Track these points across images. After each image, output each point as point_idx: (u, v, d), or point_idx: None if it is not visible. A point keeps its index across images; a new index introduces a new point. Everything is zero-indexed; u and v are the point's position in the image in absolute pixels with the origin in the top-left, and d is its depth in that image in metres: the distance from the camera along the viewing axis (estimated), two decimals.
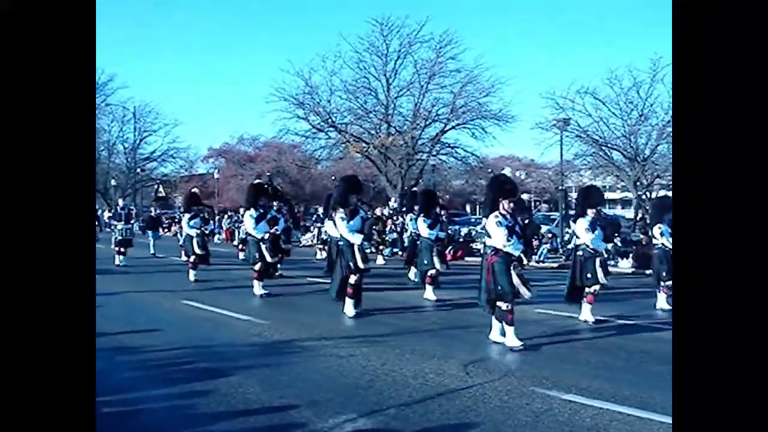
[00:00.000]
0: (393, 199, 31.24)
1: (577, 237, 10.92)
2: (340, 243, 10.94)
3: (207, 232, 18.50)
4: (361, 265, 10.65)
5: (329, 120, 33.98)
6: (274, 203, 15.65)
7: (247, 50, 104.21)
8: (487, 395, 6.21)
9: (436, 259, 12.90)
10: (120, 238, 20.54)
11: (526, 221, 10.23)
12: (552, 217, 31.15)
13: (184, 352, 7.96)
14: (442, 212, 14.72)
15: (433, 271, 12.96)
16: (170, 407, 5.85)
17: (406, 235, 20.84)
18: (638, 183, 31.21)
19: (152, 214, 29.52)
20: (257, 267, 13.24)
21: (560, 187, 27.00)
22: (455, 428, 5.37)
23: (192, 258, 16.12)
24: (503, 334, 8.56)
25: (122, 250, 20.28)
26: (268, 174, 26.77)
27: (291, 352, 8.07)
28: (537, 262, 21.41)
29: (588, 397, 6.11)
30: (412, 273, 15.31)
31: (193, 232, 16.10)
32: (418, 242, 13.78)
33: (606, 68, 44.18)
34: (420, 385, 6.57)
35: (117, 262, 19.91)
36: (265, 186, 15.57)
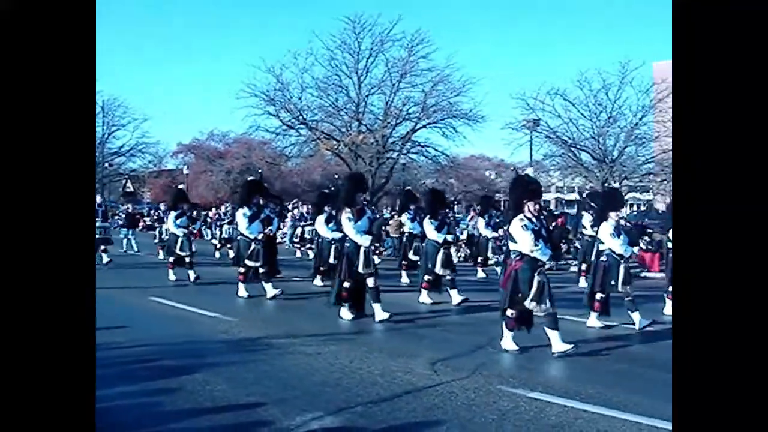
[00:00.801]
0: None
1: (600, 242, 10.16)
2: (347, 245, 10.30)
3: (195, 231, 17.86)
4: (362, 269, 10.12)
5: (300, 117, 33.89)
6: (270, 203, 15.07)
7: (218, 45, 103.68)
8: (454, 393, 6.22)
9: (438, 263, 12.06)
10: (98, 236, 18.93)
11: (554, 225, 9.91)
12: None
13: (149, 349, 7.87)
14: (449, 213, 14.03)
15: (429, 277, 12.30)
16: (134, 405, 5.78)
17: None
18: (606, 184, 31.46)
19: (129, 210, 28.98)
20: (242, 269, 12.61)
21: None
22: (422, 426, 5.37)
23: (172, 258, 15.44)
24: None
25: (104, 248, 19.02)
26: (259, 171, 26.30)
27: (258, 350, 8.03)
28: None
29: (553, 395, 6.15)
30: (405, 274, 15.27)
31: (180, 232, 15.23)
32: (423, 244, 12.89)
33: (576, 70, 44.51)
34: (387, 383, 6.57)
35: (104, 260, 18.42)
36: (260, 183, 14.52)
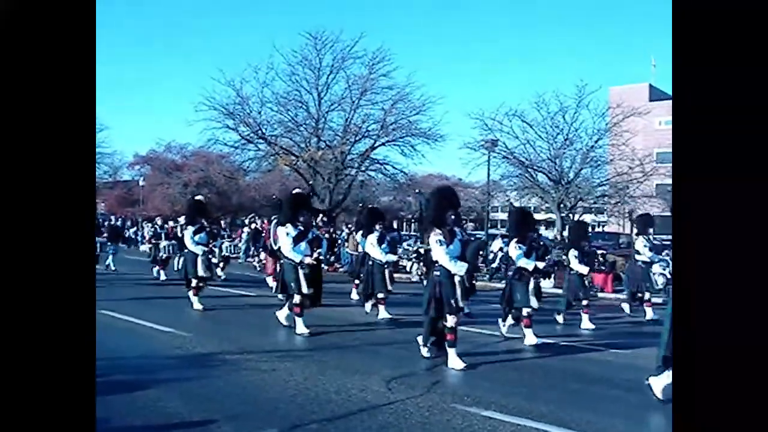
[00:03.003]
0: (320, 214, 31.22)
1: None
2: (436, 274, 8.40)
3: (216, 249, 15.88)
4: (461, 303, 8.44)
5: (259, 131, 33.70)
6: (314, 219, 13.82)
7: (177, 57, 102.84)
8: (408, 411, 6.24)
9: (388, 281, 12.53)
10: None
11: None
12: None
13: (99, 364, 7.61)
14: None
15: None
16: None
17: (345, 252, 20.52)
18: (562, 205, 31.88)
19: (113, 223, 27.84)
20: (297, 299, 10.48)
21: (486, 207, 27.31)
22: None
23: (195, 282, 13.17)
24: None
25: None
26: (309, 183, 24.71)
27: (213, 366, 7.96)
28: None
29: (507, 413, 6.20)
30: (355, 292, 15.06)
31: (199, 250, 13.07)
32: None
33: (534, 92, 45.13)
34: (342, 400, 6.56)
35: None
36: (307, 197, 12.96)
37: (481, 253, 12.59)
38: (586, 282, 12.67)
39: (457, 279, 8.26)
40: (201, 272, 13.00)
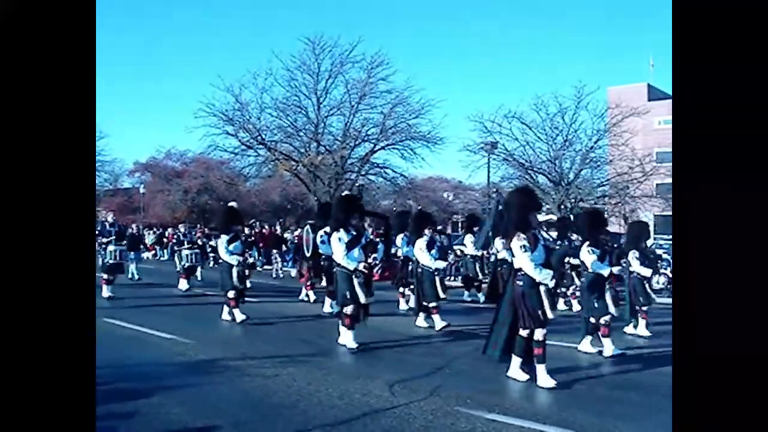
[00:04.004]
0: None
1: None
2: (519, 283, 7.67)
3: (251, 261, 15.05)
4: (549, 314, 7.63)
5: (259, 137, 33.69)
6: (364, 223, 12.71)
7: (176, 64, 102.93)
8: (411, 415, 6.23)
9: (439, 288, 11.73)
10: (111, 261, 16.00)
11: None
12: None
13: (102, 372, 7.67)
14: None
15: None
16: None
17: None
18: (562, 206, 31.88)
19: (133, 231, 27.37)
20: (349, 310, 9.73)
21: (487, 209, 27.28)
22: None
23: (232, 294, 12.30)
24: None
25: (110, 277, 15.82)
26: (359, 185, 24.43)
27: (215, 372, 7.96)
28: None
29: (511, 416, 6.20)
30: (404, 301, 14.40)
31: (234, 260, 12.25)
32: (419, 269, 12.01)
33: (532, 93, 45.11)
34: (345, 405, 6.56)
35: (105, 293, 15.39)
36: (359, 200, 11.93)
37: (567, 260, 11.77)
38: (647, 286, 11.68)
39: (542, 288, 7.56)
40: (237, 283, 12.22)
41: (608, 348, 9.39)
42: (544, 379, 7.47)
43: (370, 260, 9.92)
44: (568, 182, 32.06)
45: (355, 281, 9.60)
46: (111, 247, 16.02)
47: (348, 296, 9.62)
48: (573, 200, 32.15)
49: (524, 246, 7.54)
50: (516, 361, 7.78)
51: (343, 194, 12.69)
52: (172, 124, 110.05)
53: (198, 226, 21.42)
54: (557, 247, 9.11)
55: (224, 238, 12.51)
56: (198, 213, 49.47)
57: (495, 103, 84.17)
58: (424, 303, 11.84)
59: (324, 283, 13.92)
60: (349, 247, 9.68)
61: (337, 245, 9.74)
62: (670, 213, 37.91)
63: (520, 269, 7.67)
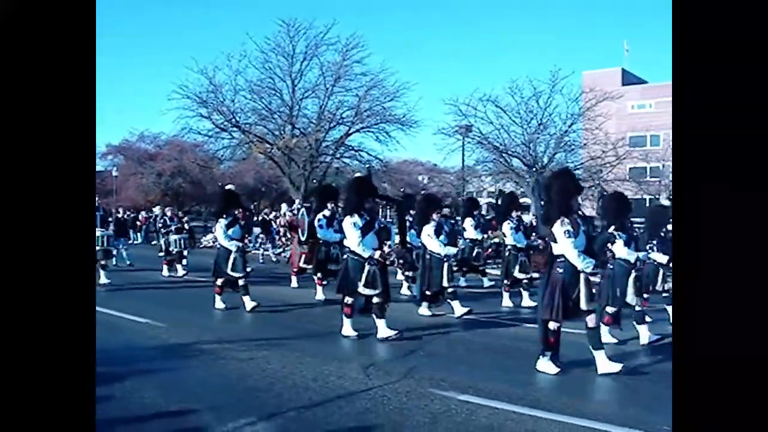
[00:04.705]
0: (297, 201, 31.09)
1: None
2: (559, 270, 7.30)
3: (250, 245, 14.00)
4: (584, 305, 7.25)
5: (233, 120, 33.41)
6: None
7: (149, 45, 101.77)
8: (386, 397, 6.28)
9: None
10: (99, 247, 15.03)
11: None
12: None
13: None
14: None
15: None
16: None
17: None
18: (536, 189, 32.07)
19: (120, 216, 26.85)
20: (350, 300, 9.25)
21: (462, 192, 27.47)
22: (355, 430, 5.42)
23: (220, 281, 11.76)
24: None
25: (103, 262, 15.33)
26: (368, 166, 23.41)
27: (190, 356, 7.95)
28: None
29: (484, 397, 6.27)
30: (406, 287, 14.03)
31: (232, 246, 11.50)
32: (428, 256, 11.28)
33: (507, 77, 45.25)
34: (320, 387, 6.59)
35: (101, 280, 14.78)
36: (371, 182, 10.58)
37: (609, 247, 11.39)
38: (661, 273, 10.55)
39: (582, 277, 7.21)
40: (230, 270, 11.46)
41: (644, 335, 9.04)
42: (548, 366, 7.37)
43: (385, 248, 9.38)
44: (542, 166, 32.19)
45: (367, 269, 9.01)
46: (98, 233, 14.89)
47: (358, 286, 9.06)
48: None
49: (568, 231, 7.16)
50: (546, 356, 7.44)
51: (356, 176, 11.71)
52: (146, 107, 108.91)
53: (170, 209, 20.88)
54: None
55: (222, 222, 11.74)
56: (171, 196, 49.01)
57: (470, 86, 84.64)
58: (428, 292, 11.21)
59: (312, 268, 13.57)
60: (364, 232, 9.10)
61: (351, 230, 9.09)
62: (643, 197, 38.47)
63: (560, 256, 7.31)
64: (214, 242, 18.73)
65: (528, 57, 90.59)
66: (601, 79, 39.08)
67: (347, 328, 9.26)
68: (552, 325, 7.32)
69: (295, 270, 14.90)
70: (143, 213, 36.85)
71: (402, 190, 45.36)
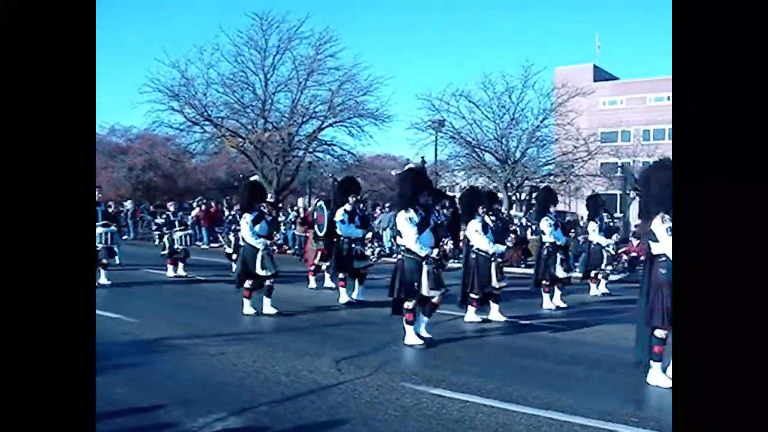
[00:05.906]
0: (269, 196, 30.96)
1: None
2: (661, 272, 6.66)
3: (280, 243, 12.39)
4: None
5: (205, 113, 33.20)
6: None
7: (120, 37, 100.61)
8: (358, 391, 6.30)
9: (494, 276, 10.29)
10: (102, 245, 13.95)
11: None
12: None
13: None
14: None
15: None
16: None
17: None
18: (509, 184, 32.20)
19: (111, 210, 26.25)
20: (411, 305, 8.48)
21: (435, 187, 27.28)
22: (326, 425, 5.42)
23: (249, 283, 10.70)
24: None
25: (105, 261, 14.21)
26: (422, 157, 22.28)
27: (160, 351, 7.91)
28: None
29: (455, 391, 6.31)
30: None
31: (260, 244, 10.49)
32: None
33: (480, 72, 45.40)
34: (292, 382, 6.59)
35: (101, 280, 13.78)
36: (427, 176, 9.81)
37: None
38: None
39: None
40: (259, 270, 10.50)
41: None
42: (659, 378, 6.42)
43: (444, 246, 8.60)
44: (514, 161, 32.39)
45: (425, 269, 8.30)
46: (99, 230, 13.80)
47: (415, 288, 8.34)
48: (519, 178, 32.53)
49: (671, 228, 6.48)
50: (656, 366, 6.58)
51: (409, 167, 10.68)
52: (116, 100, 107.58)
53: (172, 203, 20.11)
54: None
55: (248, 217, 10.63)
56: (143, 190, 48.51)
57: (443, 81, 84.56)
58: (473, 294, 10.39)
59: (330, 268, 12.87)
60: (421, 228, 8.35)
61: (407, 227, 8.32)
62: (614, 192, 38.83)
63: (661, 255, 6.69)
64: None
65: (501, 52, 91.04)
66: (573, 75, 39.34)
67: (411, 337, 8.44)
68: (660, 333, 6.54)
69: (311, 269, 13.98)
70: (112, 207, 36.41)
71: (371, 186, 45.39)
